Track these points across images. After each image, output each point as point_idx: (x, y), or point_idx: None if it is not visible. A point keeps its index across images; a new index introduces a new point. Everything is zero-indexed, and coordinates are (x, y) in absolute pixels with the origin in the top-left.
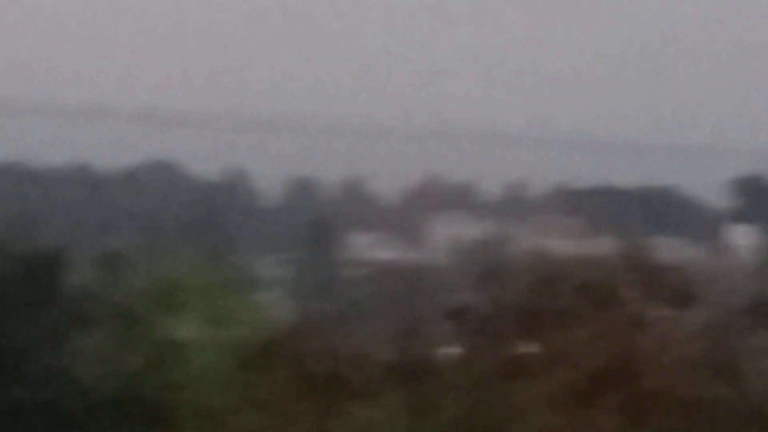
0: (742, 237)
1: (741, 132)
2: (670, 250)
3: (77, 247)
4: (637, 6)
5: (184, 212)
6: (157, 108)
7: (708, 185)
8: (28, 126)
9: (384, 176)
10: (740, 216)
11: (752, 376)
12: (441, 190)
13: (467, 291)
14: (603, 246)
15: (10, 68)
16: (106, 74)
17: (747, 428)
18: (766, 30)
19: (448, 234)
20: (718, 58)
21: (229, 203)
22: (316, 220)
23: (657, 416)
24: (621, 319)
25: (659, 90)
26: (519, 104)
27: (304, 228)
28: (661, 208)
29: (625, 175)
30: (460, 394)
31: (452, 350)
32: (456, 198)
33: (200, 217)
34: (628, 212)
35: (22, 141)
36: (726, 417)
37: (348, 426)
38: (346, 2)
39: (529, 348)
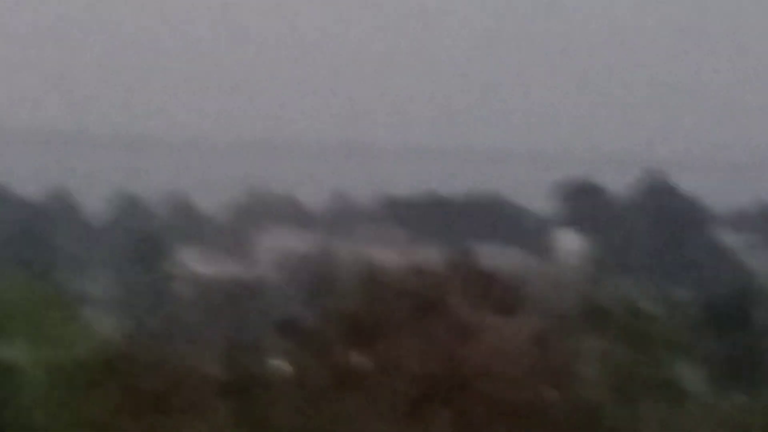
0: (569, 243)
1: (566, 135)
2: (497, 257)
3: None
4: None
5: (6, 231)
6: None
7: (533, 191)
8: None
9: (209, 191)
10: (566, 221)
11: (580, 381)
12: (266, 202)
13: (296, 304)
14: (430, 255)
15: None
16: None
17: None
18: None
19: (275, 247)
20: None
21: (54, 221)
22: (142, 236)
23: (487, 424)
24: (450, 327)
25: (497, 95)
26: (328, 114)
27: (130, 244)
28: (487, 216)
29: (450, 183)
30: (291, 407)
31: (283, 364)
32: (282, 210)
33: (23, 235)
34: (454, 220)
35: None
36: (556, 423)
37: None
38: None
39: (359, 359)
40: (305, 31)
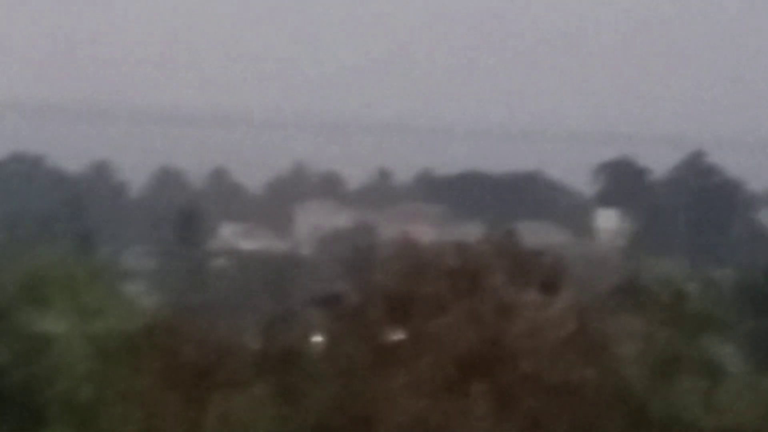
0: (609, 222)
1: (607, 117)
2: (537, 235)
3: None
4: None
5: (47, 205)
6: (18, 100)
7: (574, 170)
8: None
9: (250, 166)
10: (606, 200)
11: (619, 360)
12: (306, 179)
13: (335, 280)
14: (470, 233)
15: None
16: None
17: (614, 411)
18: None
19: (315, 223)
20: (581, 43)
21: (96, 196)
22: (182, 210)
23: (526, 401)
24: (489, 305)
25: (523, 76)
26: (379, 91)
27: (170, 219)
28: (527, 194)
29: (491, 162)
30: (330, 382)
31: (321, 339)
32: (322, 187)
33: (64, 209)
34: (494, 198)
35: None
36: (593, 401)
37: (218, 416)
38: None
39: (398, 335)
40: (345, 6)
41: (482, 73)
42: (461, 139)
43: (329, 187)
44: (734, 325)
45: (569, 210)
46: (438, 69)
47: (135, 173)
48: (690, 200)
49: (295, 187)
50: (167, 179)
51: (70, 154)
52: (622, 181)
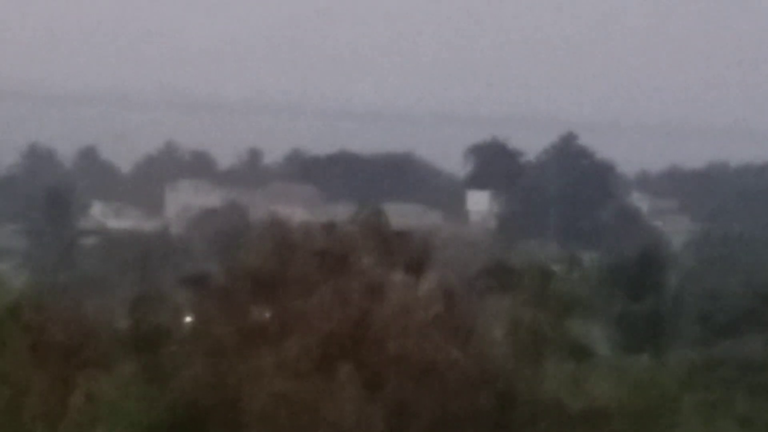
0: (479, 203)
1: (479, 99)
2: (408, 216)
3: None
4: None
5: None
6: None
7: (445, 152)
8: None
9: (120, 145)
10: (477, 182)
11: (487, 341)
12: (177, 158)
13: (205, 259)
14: (340, 213)
15: None
16: None
17: (481, 392)
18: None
19: (186, 203)
20: (459, 25)
21: None
22: (52, 189)
23: (393, 381)
24: (358, 285)
25: (409, 57)
26: (250, 70)
27: (39, 198)
28: (398, 175)
29: (362, 142)
30: (198, 362)
31: (190, 319)
32: (192, 166)
33: None
34: (365, 179)
35: None
36: (460, 381)
37: (84, 396)
38: None
39: (266, 315)
40: None
41: (354, 54)
42: (332, 120)
43: (200, 166)
44: (602, 308)
45: (440, 192)
46: (309, 49)
47: (3, 151)
48: (561, 183)
49: (166, 167)
50: (37, 158)
51: None
52: (493, 163)
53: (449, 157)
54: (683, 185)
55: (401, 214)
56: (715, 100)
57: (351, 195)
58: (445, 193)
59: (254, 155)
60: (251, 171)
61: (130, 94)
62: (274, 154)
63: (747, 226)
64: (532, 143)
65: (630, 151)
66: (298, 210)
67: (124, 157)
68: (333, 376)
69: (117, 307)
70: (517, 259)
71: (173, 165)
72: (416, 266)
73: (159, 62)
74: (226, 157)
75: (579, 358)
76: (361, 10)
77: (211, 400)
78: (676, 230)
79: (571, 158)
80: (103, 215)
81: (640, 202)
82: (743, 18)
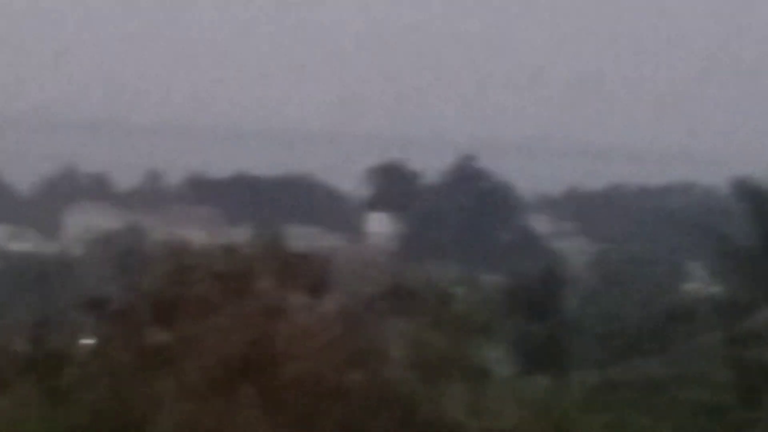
0: (379, 225)
1: (378, 120)
2: (307, 238)
3: None
4: None
5: None
6: None
7: (345, 173)
8: None
9: (19, 167)
10: (377, 204)
11: (387, 362)
12: (76, 180)
13: (105, 282)
14: (239, 235)
15: None
16: None
17: (382, 414)
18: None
19: (85, 225)
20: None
21: None
22: None
23: (294, 404)
24: (258, 308)
25: (308, 77)
26: (149, 92)
27: None
28: (298, 197)
29: (262, 164)
30: (97, 384)
31: (89, 341)
32: (92, 188)
33: None
34: (265, 201)
35: None
36: (361, 404)
37: None
38: None
39: (166, 338)
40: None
41: (252, 75)
42: (231, 141)
43: (99, 188)
44: (502, 329)
45: (340, 213)
46: (207, 70)
47: None
48: (460, 204)
49: (65, 189)
50: None
51: None
52: (393, 184)
53: (349, 179)
54: (582, 207)
55: (301, 236)
56: (613, 122)
57: (251, 217)
58: (345, 215)
59: (154, 177)
60: (151, 193)
61: (29, 116)
62: (173, 176)
63: (645, 247)
64: (431, 165)
65: (529, 173)
66: (198, 232)
67: (22, 179)
68: (233, 399)
69: (16, 330)
70: (417, 281)
71: (72, 187)
72: (316, 288)
73: (59, 82)
74: (125, 180)
75: (479, 380)
76: (258, 28)
77: (111, 424)
78: (575, 251)
79: (469, 180)
80: (2, 238)
81: (540, 223)
82: (644, 40)
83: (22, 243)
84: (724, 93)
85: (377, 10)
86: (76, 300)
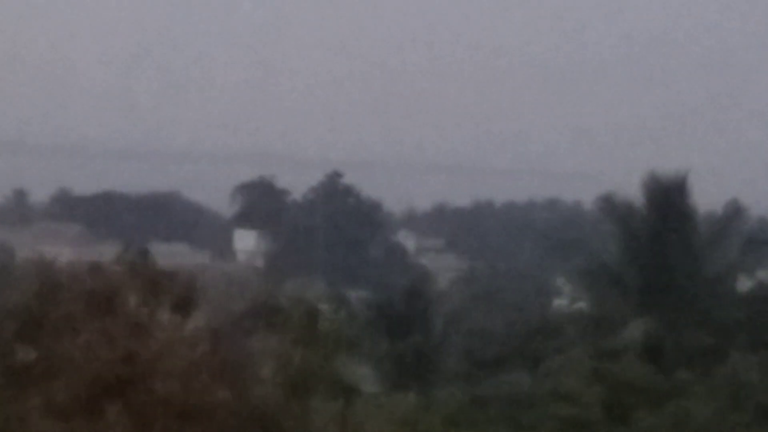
0: (247, 242)
1: (244, 137)
2: (175, 256)
3: None
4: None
5: None
6: None
7: (212, 191)
8: None
9: None
10: (245, 221)
11: (254, 380)
12: None
13: None
14: (107, 252)
15: None
16: None
17: (248, 430)
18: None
19: None
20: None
21: None
22: None
23: (160, 423)
24: (125, 326)
25: (173, 95)
26: (18, 110)
27: None
28: (165, 215)
29: (129, 181)
30: None
31: None
32: None
33: None
34: (132, 219)
35: None
36: (228, 422)
37: None
38: None
39: (32, 356)
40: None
41: (118, 92)
42: (97, 158)
43: None
44: (370, 345)
45: (208, 231)
46: (70, 87)
47: None
48: (327, 221)
49: None
50: None
51: None
52: (260, 202)
53: (216, 197)
54: (449, 223)
55: (168, 254)
56: (479, 140)
57: (117, 234)
58: (212, 232)
59: (19, 195)
60: (17, 211)
61: None
62: (39, 193)
63: (511, 263)
64: (298, 182)
65: (396, 190)
66: (65, 250)
67: None
68: (101, 418)
69: None
70: (284, 298)
71: None
72: (183, 306)
73: None
74: None
75: (346, 397)
76: (124, 48)
77: None
78: (442, 268)
79: (337, 196)
80: None
81: (407, 240)
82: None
83: None
84: (587, 109)
85: (244, 24)
86: None
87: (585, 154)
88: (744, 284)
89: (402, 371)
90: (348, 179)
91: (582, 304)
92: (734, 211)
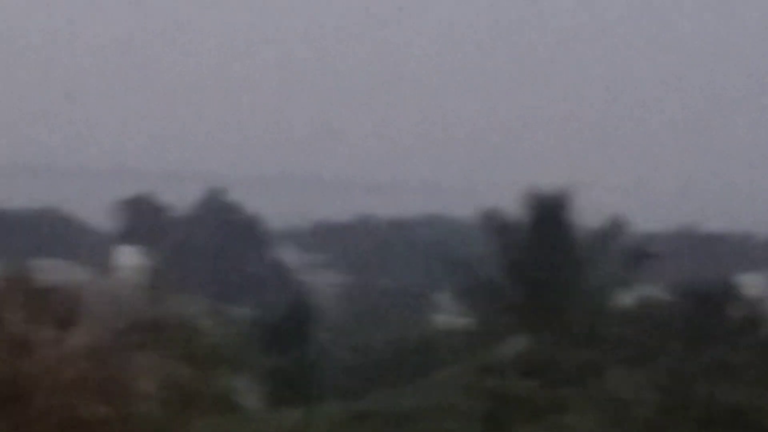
0: (128, 258)
1: (126, 152)
2: (55, 272)
3: None
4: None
5: None
6: None
7: (92, 207)
8: None
9: None
10: (127, 237)
11: (136, 396)
12: None
13: None
14: None
15: None
16: None
17: None
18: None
19: None
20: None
21: None
22: None
23: None
24: (4, 342)
25: (66, 110)
26: None
27: None
28: (45, 230)
29: (8, 197)
30: None
31: None
32: None
33: None
34: (11, 234)
35: None
36: None
37: None
38: None
39: None
40: None
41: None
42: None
43: None
44: (251, 361)
45: (88, 247)
46: None
47: None
48: (209, 237)
49: None
50: None
51: None
52: (142, 217)
53: (97, 213)
54: (330, 239)
55: (49, 270)
56: (365, 156)
57: None
58: (94, 248)
59: None
60: None
61: None
62: None
63: (394, 278)
64: (180, 198)
65: (277, 205)
66: None
67: None
68: None
69: None
70: (165, 314)
71: None
72: (63, 322)
73: None
74: None
75: (228, 413)
76: (23, 59)
77: None
78: (324, 284)
79: (218, 213)
80: None
81: (289, 256)
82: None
83: None
84: (475, 125)
85: (119, 36)
86: None
87: (467, 171)
88: (624, 299)
89: (284, 387)
90: (230, 195)
91: (464, 320)
92: (615, 227)
